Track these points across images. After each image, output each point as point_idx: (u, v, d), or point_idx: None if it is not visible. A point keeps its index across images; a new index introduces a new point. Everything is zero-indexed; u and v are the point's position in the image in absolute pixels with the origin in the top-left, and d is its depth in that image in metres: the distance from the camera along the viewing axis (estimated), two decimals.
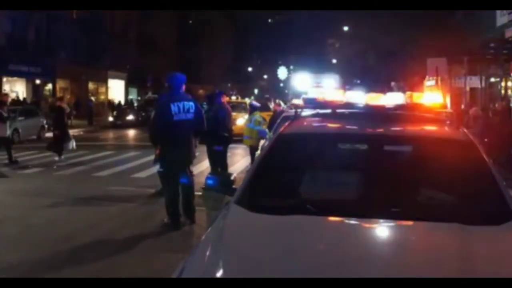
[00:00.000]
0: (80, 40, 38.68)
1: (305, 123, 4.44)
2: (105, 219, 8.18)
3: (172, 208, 7.49)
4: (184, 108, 7.34)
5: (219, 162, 10.53)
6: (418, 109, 4.37)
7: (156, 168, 8.69)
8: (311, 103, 4.55)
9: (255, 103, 14.66)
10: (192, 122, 7.44)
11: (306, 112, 4.84)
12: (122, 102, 43.05)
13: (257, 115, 12.89)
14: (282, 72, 53.44)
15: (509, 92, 20.83)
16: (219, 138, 10.24)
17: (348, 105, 4.36)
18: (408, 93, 4.72)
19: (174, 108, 7.27)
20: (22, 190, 10.66)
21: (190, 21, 58.37)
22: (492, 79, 22.49)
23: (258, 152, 10.73)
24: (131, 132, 20.18)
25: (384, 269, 2.58)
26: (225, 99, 11.00)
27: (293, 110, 6.48)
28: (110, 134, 27.48)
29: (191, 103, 7.47)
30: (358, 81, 41.93)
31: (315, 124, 4.42)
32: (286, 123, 4.46)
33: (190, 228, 7.52)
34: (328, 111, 4.46)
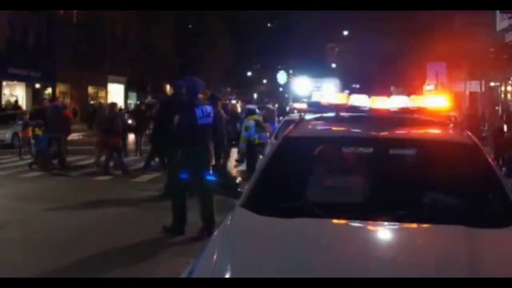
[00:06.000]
0: (80, 44, 38.69)
1: (309, 127, 4.45)
2: (107, 223, 8.18)
3: (179, 213, 7.39)
4: (206, 111, 7.47)
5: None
6: (423, 112, 4.36)
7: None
8: (316, 106, 4.57)
9: (251, 106, 14.48)
10: (211, 126, 7.59)
11: (310, 116, 4.84)
12: (122, 106, 42.98)
13: (251, 120, 12.65)
14: (281, 77, 53.40)
15: (509, 96, 20.87)
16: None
17: (353, 108, 4.37)
18: (413, 96, 4.70)
19: (198, 111, 7.36)
20: (24, 194, 10.66)
21: (190, 26, 58.36)
22: (492, 84, 22.55)
23: (261, 156, 10.68)
24: (131, 137, 20.30)
25: (389, 270, 2.60)
26: (219, 104, 10.75)
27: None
28: None
29: (210, 108, 7.64)
30: (358, 86, 41.99)
31: (320, 128, 4.44)
32: (291, 126, 4.47)
33: (194, 232, 7.46)
34: (332, 114, 4.47)
